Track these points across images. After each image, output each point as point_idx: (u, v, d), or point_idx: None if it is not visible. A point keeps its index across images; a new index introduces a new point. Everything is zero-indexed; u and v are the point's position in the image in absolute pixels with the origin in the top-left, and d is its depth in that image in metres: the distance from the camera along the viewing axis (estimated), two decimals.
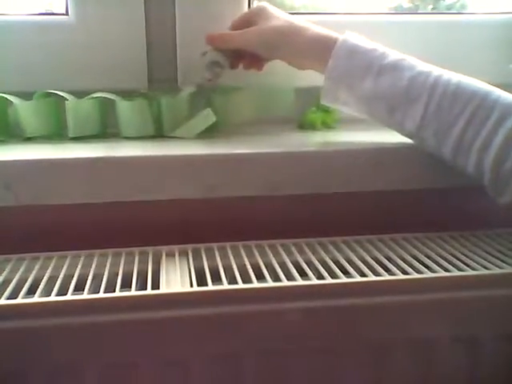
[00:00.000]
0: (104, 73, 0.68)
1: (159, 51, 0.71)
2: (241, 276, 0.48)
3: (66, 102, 0.62)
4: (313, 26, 0.57)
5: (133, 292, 0.45)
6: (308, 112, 0.70)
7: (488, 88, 0.49)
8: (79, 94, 0.64)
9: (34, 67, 0.67)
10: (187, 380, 0.45)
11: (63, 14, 0.68)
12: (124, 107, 0.64)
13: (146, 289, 0.46)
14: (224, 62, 0.62)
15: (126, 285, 0.48)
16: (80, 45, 0.68)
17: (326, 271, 0.49)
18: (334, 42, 0.54)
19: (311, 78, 0.60)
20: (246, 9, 0.70)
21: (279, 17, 0.58)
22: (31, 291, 0.47)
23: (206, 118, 0.63)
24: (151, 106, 0.64)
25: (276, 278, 0.48)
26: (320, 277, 0.48)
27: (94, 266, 0.51)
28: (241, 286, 0.46)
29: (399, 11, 0.85)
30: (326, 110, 0.70)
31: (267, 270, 0.49)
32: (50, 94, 0.64)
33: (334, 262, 0.52)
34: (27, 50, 0.67)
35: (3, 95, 0.62)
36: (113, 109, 0.65)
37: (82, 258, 0.52)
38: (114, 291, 0.46)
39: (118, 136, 0.65)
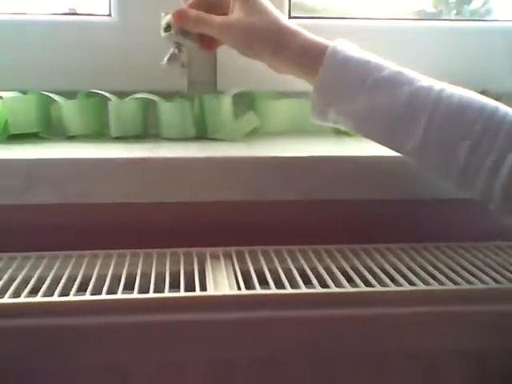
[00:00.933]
0: (144, 74, 0.68)
1: (199, 53, 0.71)
2: (287, 280, 0.48)
3: (109, 102, 0.63)
4: (303, 30, 0.50)
5: (182, 293, 0.45)
6: None
7: (493, 104, 0.45)
8: (120, 94, 0.65)
9: (77, 67, 0.67)
10: (235, 381, 0.45)
11: (106, 15, 0.69)
12: (166, 108, 0.64)
13: (193, 290, 0.46)
14: (187, 47, 0.55)
15: (172, 285, 0.48)
16: (122, 45, 0.68)
17: (371, 278, 0.49)
18: (323, 51, 0.47)
19: None
20: (286, 9, 0.70)
21: (266, 10, 0.49)
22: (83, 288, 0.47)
23: (250, 120, 0.63)
24: (193, 107, 0.64)
25: (324, 284, 0.48)
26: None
27: (140, 265, 0.51)
28: (290, 290, 0.46)
29: (422, 16, 0.84)
30: None
31: (313, 275, 0.49)
32: (92, 94, 0.65)
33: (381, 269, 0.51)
34: (70, 50, 0.67)
35: (47, 94, 0.63)
36: (154, 110, 0.66)
37: (128, 257, 0.52)
38: (163, 291, 0.46)
39: (158, 137, 0.66)
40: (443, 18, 0.86)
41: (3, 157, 0.55)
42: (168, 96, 0.66)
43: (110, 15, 0.68)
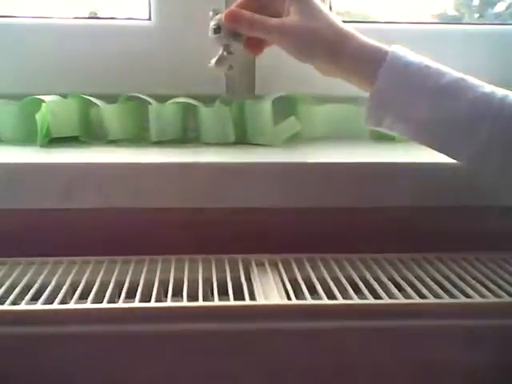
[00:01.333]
0: (183, 78, 0.68)
1: (238, 57, 0.70)
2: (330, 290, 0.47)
3: (150, 106, 0.62)
4: (358, 34, 0.49)
5: (232, 302, 0.44)
6: None
7: None
8: (158, 98, 0.64)
9: (116, 71, 0.67)
10: None
11: (146, 19, 0.69)
12: (206, 113, 0.63)
13: (241, 298, 0.45)
14: (234, 49, 0.52)
15: (220, 293, 0.47)
16: (161, 49, 0.68)
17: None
18: (383, 56, 0.46)
19: None
20: None
21: (324, 14, 0.48)
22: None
23: (292, 125, 0.63)
24: (232, 112, 0.64)
25: (375, 295, 0.47)
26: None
27: (186, 272, 0.50)
28: (342, 301, 0.45)
29: (443, 19, 0.83)
30: None
31: (364, 285, 0.48)
32: (132, 98, 0.65)
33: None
34: (109, 54, 0.67)
35: (87, 97, 0.63)
36: (193, 114, 0.65)
37: (173, 263, 0.52)
38: (212, 298, 0.45)
39: (197, 141, 0.65)
40: (466, 21, 0.84)
41: (47, 161, 0.55)
42: (206, 100, 0.65)
43: (149, 19, 0.68)
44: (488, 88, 0.45)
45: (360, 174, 0.55)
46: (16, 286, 0.48)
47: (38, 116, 0.58)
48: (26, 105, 0.62)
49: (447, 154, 0.47)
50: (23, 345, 0.43)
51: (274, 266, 0.52)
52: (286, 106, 0.67)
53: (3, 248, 0.54)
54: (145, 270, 0.51)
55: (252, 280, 0.49)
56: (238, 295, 0.46)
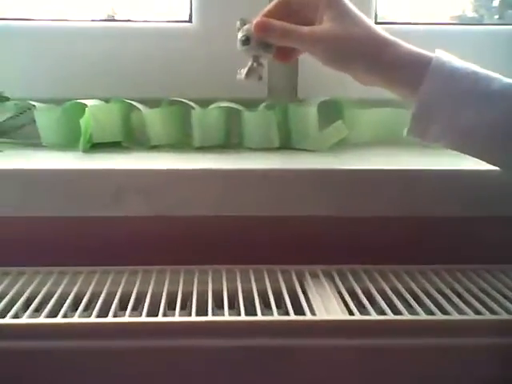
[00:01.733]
0: (224, 81, 0.67)
1: None
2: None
3: (193, 111, 0.61)
4: (399, 40, 0.46)
5: (293, 317, 0.43)
6: None
7: None
8: (199, 102, 0.63)
9: (156, 74, 0.66)
10: None
11: (186, 21, 0.67)
12: (249, 117, 0.62)
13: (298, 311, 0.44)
14: (265, 59, 0.50)
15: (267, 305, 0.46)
16: (202, 52, 0.66)
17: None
18: (427, 62, 0.43)
19: None
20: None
21: (361, 21, 0.46)
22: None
23: (339, 130, 0.61)
24: (276, 116, 0.62)
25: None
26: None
27: (239, 283, 0.49)
28: (408, 316, 0.43)
29: (462, 21, 0.81)
30: None
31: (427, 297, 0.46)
32: (175, 102, 0.63)
33: None
34: (150, 57, 0.66)
35: (130, 102, 0.61)
36: (236, 119, 0.64)
37: (224, 274, 0.50)
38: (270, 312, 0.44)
39: (241, 147, 0.64)
40: (485, 22, 0.82)
41: (92, 167, 0.54)
42: (247, 104, 0.64)
43: (190, 21, 0.67)
44: None
45: (411, 182, 0.53)
46: (68, 295, 0.47)
47: (82, 121, 0.57)
48: (68, 109, 0.61)
49: (493, 164, 0.45)
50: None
51: (328, 276, 0.50)
52: (330, 110, 0.65)
53: (48, 256, 0.53)
54: (196, 281, 0.50)
55: (308, 292, 0.48)
56: (295, 308, 0.45)
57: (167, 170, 0.53)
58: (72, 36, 0.65)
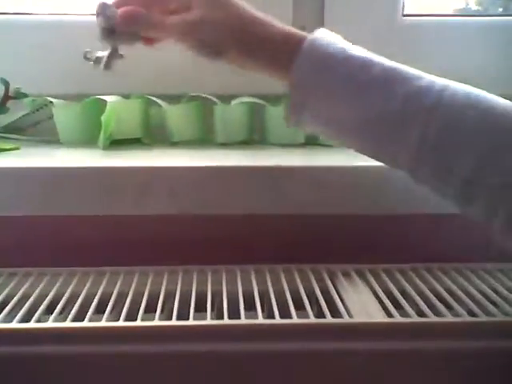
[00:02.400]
0: (247, 76, 0.65)
1: None
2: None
3: (215, 106, 0.59)
4: (274, 20, 0.42)
5: (330, 319, 0.41)
6: None
7: (502, 104, 0.36)
8: (221, 98, 0.61)
9: (176, 69, 0.64)
10: None
11: None
12: (273, 113, 0.60)
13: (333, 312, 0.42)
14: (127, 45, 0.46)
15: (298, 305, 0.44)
16: None
17: None
18: (298, 44, 0.39)
19: None
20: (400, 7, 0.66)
21: (230, 2, 0.42)
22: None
23: None
24: None
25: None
26: None
27: (269, 283, 0.47)
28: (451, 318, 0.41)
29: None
30: None
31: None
32: (196, 98, 0.61)
33: None
34: (168, 52, 0.64)
35: (150, 97, 0.60)
36: (260, 114, 0.62)
37: (253, 273, 0.49)
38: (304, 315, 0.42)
39: (264, 142, 0.62)
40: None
41: (115, 164, 0.52)
42: (270, 99, 0.62)
43: None
44: (424, 81, 0.37)
45: None
46: (94, 296, 0.46)
47: (103, 117, 0.55)
48: (87, 106, 0.59)
49: (377, 160, 0.41)
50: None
51: (361, 275, 0.49)
52: None
53: (72, 257, 0.51)
54: (224, 281, 0.48)
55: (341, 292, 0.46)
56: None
57: (194, 167, 0.51)
58: (88, 31, 0.64)
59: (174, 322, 0.40)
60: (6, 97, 0.53)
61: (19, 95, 0.54)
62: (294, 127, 0.43)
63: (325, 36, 0.40)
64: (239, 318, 0.41)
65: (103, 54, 0.47)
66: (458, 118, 0.36)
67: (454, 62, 0.63)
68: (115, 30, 0.44)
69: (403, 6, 0.65)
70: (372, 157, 0.41)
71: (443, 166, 0.36)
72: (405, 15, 0.66)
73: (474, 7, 0.82)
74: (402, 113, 0.37)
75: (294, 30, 0.41)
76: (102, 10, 0.44)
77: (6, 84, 0.53)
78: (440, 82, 0.38)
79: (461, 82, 0.38)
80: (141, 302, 0.44)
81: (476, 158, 0.35)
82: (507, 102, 0.37)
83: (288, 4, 0.64)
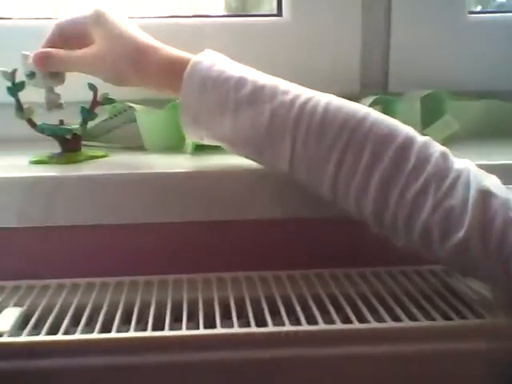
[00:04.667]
0: (315, 75, 0.65)
1: (372, 54, 0.68)
2: None
3: None
4: (166, 47, 0.46)
5: (357, 325, 0.42)
6: None
7: (361, 113, 0.40)
8: None
9: None
10: None
11: (275, 15, 0.66)
12: None
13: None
14: (58, 85, 0.51)
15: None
16: (292, 46, 0.63)
17: None
18: (183, 68, 0.44)
19: None
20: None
21: (123, 32, 0.46)
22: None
23: (448, 125, 0.60)
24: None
25: None
26: None
27: (288, 287, 0.48)
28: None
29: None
30: None
31: None
32: None
33: None
34: (239, 53, 0.64)
35: None
36: None
37: (271, 279, 0.49)
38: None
39: None
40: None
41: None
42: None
43: (279, 15, 0.65)
44: (290, 95, 0.41)
45: None
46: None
47: None
48: (170, 110, 0.59)
49: (266, 167, 0.45)
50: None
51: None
52: (428, 104, 0.64)
53: (145, 264, 0.52)
54: (244, 288, 0.48)
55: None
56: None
57: None
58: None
59: (201, 330, 0.40)
60: (95, 102, 0.53)
61: (107, 101, 0.53)
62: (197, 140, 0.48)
63: (208, 58, 0.44)
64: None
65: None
66: (320, 124, 0.40)
67: None
68: (35, 73, 0.49)
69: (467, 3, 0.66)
70: (260, 164, 0.45)
71: (314, 167, 0.41)
72: (470, 12, 0.66)
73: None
74: (271, 127, 0.41)
75: (183, 54, 0.45)
76: (21, 60, 0.49)
77: (94, 89, 0.52)
78: (306, 93, 0.42)
79: None
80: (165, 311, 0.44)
81: (338, 159, 0.40)
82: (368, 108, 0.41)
83: (357, 5, 0.64)
